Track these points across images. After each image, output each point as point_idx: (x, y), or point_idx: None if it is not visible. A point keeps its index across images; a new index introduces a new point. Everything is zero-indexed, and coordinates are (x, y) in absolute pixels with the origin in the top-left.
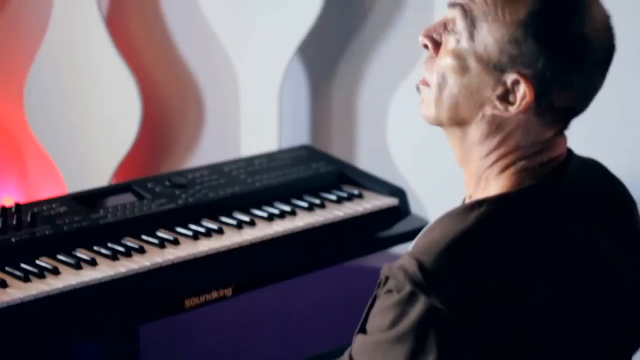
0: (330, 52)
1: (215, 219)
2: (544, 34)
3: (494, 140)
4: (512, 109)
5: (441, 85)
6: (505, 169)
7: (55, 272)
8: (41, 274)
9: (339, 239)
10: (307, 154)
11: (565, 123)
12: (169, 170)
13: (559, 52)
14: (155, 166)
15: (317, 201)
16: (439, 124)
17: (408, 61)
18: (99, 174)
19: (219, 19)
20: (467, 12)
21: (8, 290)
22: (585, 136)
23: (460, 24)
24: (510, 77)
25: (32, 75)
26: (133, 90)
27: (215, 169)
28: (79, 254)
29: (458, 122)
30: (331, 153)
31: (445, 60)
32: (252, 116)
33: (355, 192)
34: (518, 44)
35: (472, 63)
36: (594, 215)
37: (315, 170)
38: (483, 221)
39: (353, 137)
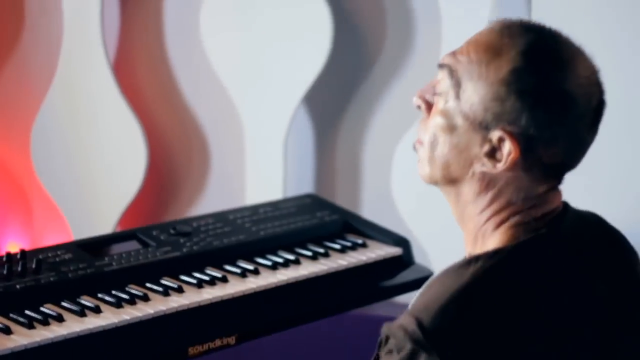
0: (336, 101)
1: (219, 267)
2: (527, 91)
3: (487, 197)
4: (500, 166)
5: (433, 145)
6: (500, 224)
7: (59, 319)
8: (45, 320)
9: (342, 288)
10: (311, 203)
11: (557, 178)
12: (174, 217)
13: (542, 108)
14: (160, 213)
15: (321, 250)
16: (434, 182)
17: (412, 111)
18: (104, 221)
19: (225, 66)
20: (452, 72)
21: (12, 336)
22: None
23: (447, 84)
24: (495, 135)
25: (39, 121)
26: (139, 137)
27: (220, 217)
28: (83, 301)
29: (451, 180)
30: (335, 202)
31: (435, 120)
32: (257, 164)
33: (359, 241)
34: (501, 101)
35: (460, 122)
36: (593, 267)
37: (319, 219)
38: (480, 277)
39: (357, 186)
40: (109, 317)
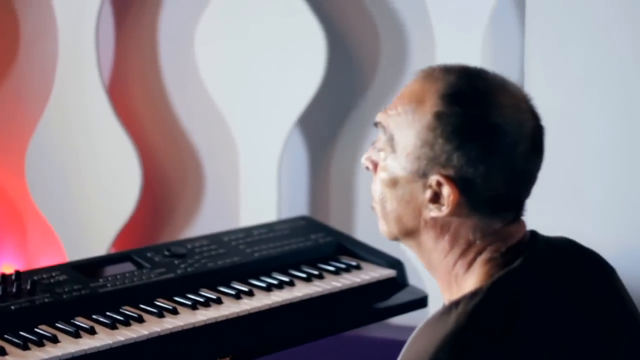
0: (330, 123)
1: (213, 288)
2: (452, 132)
3: (445, 242)
4: (445, 209)
5: (382, 202)
6: (469, 265)
7: (54, 340)
8: (40, 342)
9: (336, 310)
10: (305, 225)
11: (510, 211)
12: (168, 239)
13: (471, 145)
14: (155, 235)
15: (316, 272)
16: (395, 238)
17: None
18: (98, 242)
19: (220, 89)
20: (385, 128)
21: (7, 358)
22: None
23: (383, 140)
24: (433, 180)
25: (34, 143)
26: (133, 159)
27: (215, 239)
28: (78, 323)
29: (408, 232)
30: (329, 224)
31: (380, 177)
32: (251, 186)
33: (353, 263)
34: (431, 146)
35: (400, 174)
36: (572, 290)
37: (313, 241)
38: (463, 321)
39: (351, 208)
40: (103, 338)
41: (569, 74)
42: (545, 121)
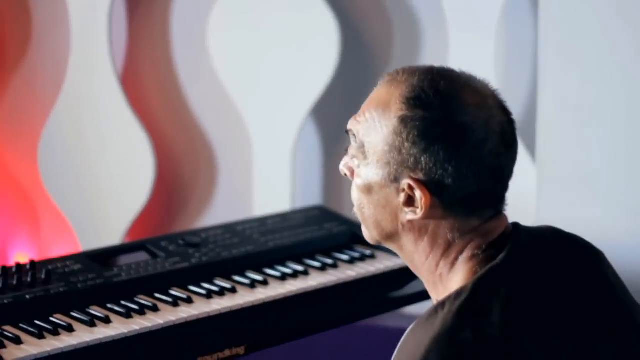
0: (343, 113)
1: (228, 278)
2: (417, 134)
3: (425, 244)
4: (419, 212)
5: (360, 208)
6: (452, 265)
7: (69, 329)
8: (55, 331)
9: (351, 299)
10: (319, 214)
11: (487, 207)
12: (182, 229)
13: (437, 146)
14: (168, 225)
15: (330, 261)
16: (377, 242)
17: None
18: (111, 232)
19: (233, 78)
20: (355, 135)
21: (22, 346)
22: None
23: (354, 147)
24: (404, 183)
25: (47, 133)
26: (147, 148)
27: (229, 229)
28: (93, 312)
29: (388, 236)
30: (343, 213)
31: (356, 184)
32: (264, 176)
33: (368, 252)
34: (398, 150)
35: (373, 180)
36: (559, 278)
37: (327, 230)
38: (449, 321)
39: None
40: (118, 327)
41: (584, 64)
42: (560, 113)
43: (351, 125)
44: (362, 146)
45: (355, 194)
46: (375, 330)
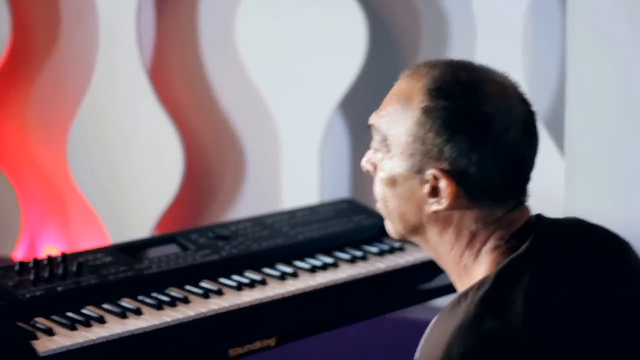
0: (371, 105)
1: (258, 270)
2: (440, 125)
3: (450, 235)
4: (444, 202)
5: (385, 202)
6: (476, 256)
7: (101, 320)
8: (87, 322)
9: (380, 291)
10: (348, 207)
11: (511, 198)
12: (209, 222)
13: (460, 135)
14: (196, 218)
15: (359, 254)
16: (402, 237)
17: None
18: (140, 225)
19: (261, 72)
20: (378, 129)
21: (54, 338)
22: None
23: (377, 141)
24: (429, 174)
25: (76, 126)
26: (175, 141)
27: (258, 221)
28: (124, 304)
29: (413, 229)
30: (372, 206)
31: (379, 178)
32: (292, 169)
33: (397, 245)
34: (422, 141)
35: (396, 172)
36: (583, 268)
37: (356, 223)
38: (472, 311)
39: None
40: (149, 319)
41: (612, 56)
42: (588, 106)
43: (373, 119)
44: (385, 139)
45: (379, 188)
46: (404, 322)
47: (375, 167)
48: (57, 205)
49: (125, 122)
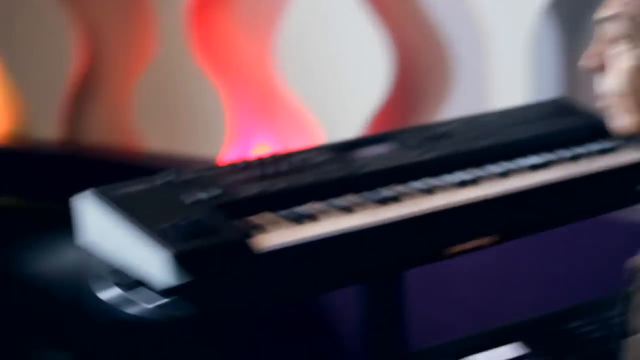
0: (585, 4)
1: (473, 168)
2: None
3: None
4: None
5: (637, 91)
6: None
7: (314, 218)
8: (300, 220)
9: (595, 192)
10: (560, 107)
11: None
12: (419, 122)
13: None
14: (403, 120)
15: (573, 153)
16: None
17: None
18: (349, 126)
19: None
20: (626, 16)
21: (268, 235)
22: None
23: (627, 28)
24: None
25: (284, 26)
26: (382, 43)
27: (470, 122)
28: (338, 202)
29: None
30: (586, 106)
31: (627, 69)
32: (501, 69)
33: (611, 145)
34: None
35: None
36: None
37: (569, 123)
38: None
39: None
40: (365, 218)
41: None
42: None
43: (615, 9)
44: (638, 25)
45: (622, 79)
46: (617, 225)
47: (601, 64)
48: (267, 104)
49: (332, 22)
